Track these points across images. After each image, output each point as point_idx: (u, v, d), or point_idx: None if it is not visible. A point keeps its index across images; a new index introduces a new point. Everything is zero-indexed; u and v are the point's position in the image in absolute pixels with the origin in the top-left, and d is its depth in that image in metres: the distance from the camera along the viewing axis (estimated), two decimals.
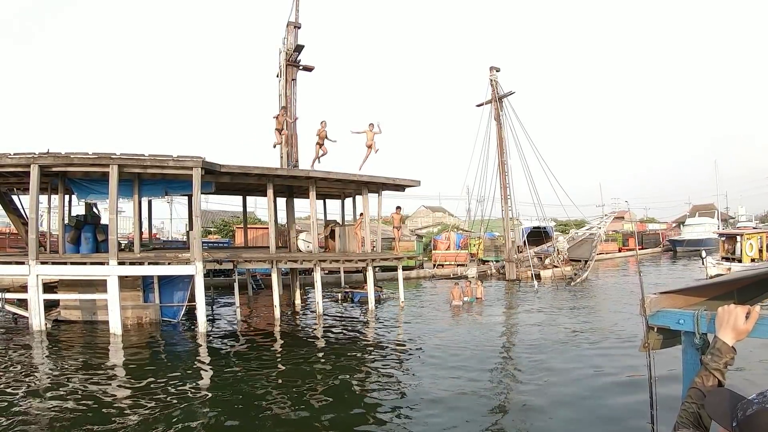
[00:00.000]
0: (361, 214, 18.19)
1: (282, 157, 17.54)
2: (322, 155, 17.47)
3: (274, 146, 17.42)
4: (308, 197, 16.57)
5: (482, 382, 8.99)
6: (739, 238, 25.09)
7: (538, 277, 25.23)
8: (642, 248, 49.59)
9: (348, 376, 9.54)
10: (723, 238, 27.50)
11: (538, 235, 32.84)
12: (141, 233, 16.83)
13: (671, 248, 51.05)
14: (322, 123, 17.19)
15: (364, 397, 8.44)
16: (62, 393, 8.15)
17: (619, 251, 47.89)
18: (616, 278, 29.40)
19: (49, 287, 14.07)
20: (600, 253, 34.32)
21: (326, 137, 17.25)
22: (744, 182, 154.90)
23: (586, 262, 27.36)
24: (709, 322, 1.86)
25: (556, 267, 28.08)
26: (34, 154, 12.72)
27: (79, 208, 16.96)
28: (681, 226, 58.87)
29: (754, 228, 35.99)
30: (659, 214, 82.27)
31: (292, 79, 17.70)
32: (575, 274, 26.18)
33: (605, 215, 31.08)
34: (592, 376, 9.25)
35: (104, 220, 15.52)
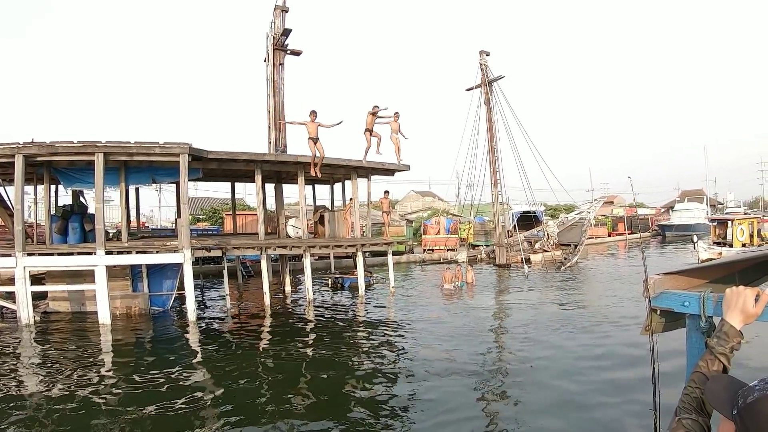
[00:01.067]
0: (351, 199, 18.13)
1: (270, 142, 17.39)
2: (377, 144, 16.50)
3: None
4: (297, 183, 16.45)
5: (475, 364, 9.06)
6: (730, 223, 25.49)
7: (528, 261, 25.33)
8: (631, 233, 49.95)
9: (339, 361, 9.58)
10: (714, 224, 28.01)
11: (528, 220, 33.00)
12: (129, 222, 16.66)
13: (660, 233, 51.49)
14: (374, 108, 16.19)
15: (356, 381, 8.47)
16: (53, 387, 8.10)
17: (609, 236, 48.23)
18: (606, 262, 29.63)
19: (36, 279, 13.93)
20: (590, 238, 34.55)
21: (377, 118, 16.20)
22: (732, 169, 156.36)
23: (576, 246, 27.52)
24: (715, 304, 1.77)
25: (546, 251, 28.26)
26: (19, 144, 12.49)
27: (65, 198, 16.75)
28: (670, 211, 59.36)
29: (744, 214, 36.39)
30: (648, 200, 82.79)
31: (280, 64, 17.47)
32: (565, 259, 26.35)
33: (595, 200, 31.23)
34: (587, 359, 9.26)
35: (92, 210, 15.34)
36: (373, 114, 16.15)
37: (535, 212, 33.62)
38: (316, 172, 15.51)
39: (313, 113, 15.32)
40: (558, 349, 9.92)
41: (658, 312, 2.11)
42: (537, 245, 29.09)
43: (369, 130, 16.26)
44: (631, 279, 19.97)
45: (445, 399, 7.31)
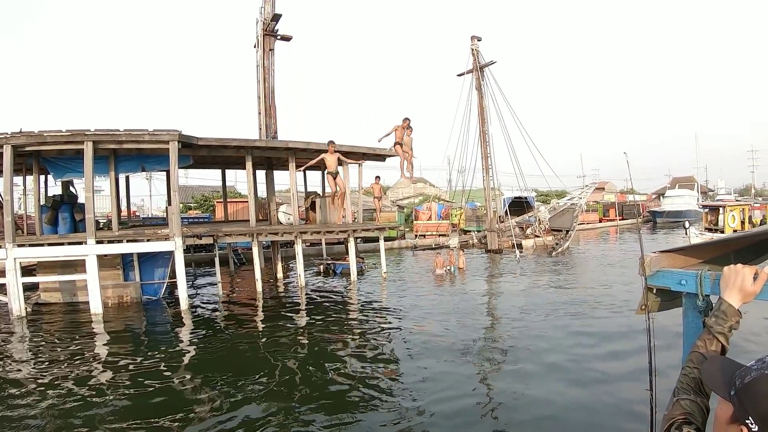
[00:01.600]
0: None
1: (261, 128, 17.31)
2: (409, 160, 15.32)
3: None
4: (288, 169, 16.40)
5: (467, 346, 9.15)
6: (722, 210, 25.75)
7: (519, 246, 25.47)
8: (622, 218, 50.18)
9: (332, 345, 9.66)
10: (706, 210, 28.28)
11: (519, 205, 33.14)
12: (119, 211, 16.59)
13: (651, 219, 51.71)
14: (405, 120, 14.92)
15: (348, 364, 8.55)
16: (46, 379, 8.09)
17: (600, 222, 48.46)
18: (597, 247, 29.83)
19: (27, 270, 13.85)
20: (581, 223, 34.74)
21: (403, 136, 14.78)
22: (723, 157, 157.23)
23: (567, 231, 27.67)
24: (713, 283, 1.71)
25: (538, 237, 28.36)
26: (7, 134, 12.32)
27: (55, 188, 16.62)
28: (661, 197, 59.49)
29: (736, 200, 36.72)
30: (639, 186, 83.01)
31: (270, 49, 17.35)
32: (557, 244, 26.48)
33: (586, 186, 31.33)
34: (582, 342, 9.32)
35: (81, 199, 15.22)
36: (404, 127, 14.93)
37: (526, 198, 33.76)
38: (337, 207, 15.72)
39: (332, 143, 14.93)
40: (551, 331, 10.01)
41: (654, 291, 2.07)
42: (528, 231, 29.21)
43: (399, 144, 15.11)
44: (623, 264, 20.12)
45: (438, 379, 7.42)
